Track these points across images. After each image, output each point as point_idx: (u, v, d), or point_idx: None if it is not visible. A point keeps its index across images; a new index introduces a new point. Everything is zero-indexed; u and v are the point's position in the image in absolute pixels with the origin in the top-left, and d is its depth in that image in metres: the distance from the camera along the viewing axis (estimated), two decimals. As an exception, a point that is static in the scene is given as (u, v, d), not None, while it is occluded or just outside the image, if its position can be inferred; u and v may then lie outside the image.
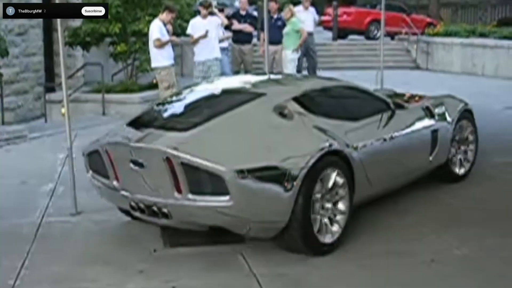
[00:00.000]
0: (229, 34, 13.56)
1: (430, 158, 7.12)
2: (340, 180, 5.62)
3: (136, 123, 6.14)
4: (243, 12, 14.98)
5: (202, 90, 6.74)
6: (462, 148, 7.80)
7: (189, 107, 6.33)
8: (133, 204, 5.66)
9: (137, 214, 5.79)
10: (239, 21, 14.45)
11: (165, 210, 5.36)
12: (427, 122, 7.14)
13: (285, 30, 13.74)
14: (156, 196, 5.38)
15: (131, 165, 5.48)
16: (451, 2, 37.49)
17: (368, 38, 26.12)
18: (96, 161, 5.98)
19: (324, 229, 5.53)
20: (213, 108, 5.97)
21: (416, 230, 6.13)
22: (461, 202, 6.96)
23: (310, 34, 15.52)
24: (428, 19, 28.93)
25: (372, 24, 25.75)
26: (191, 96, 6.60)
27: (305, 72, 15.95)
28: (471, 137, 7.91)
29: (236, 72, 14.59)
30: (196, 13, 14.21)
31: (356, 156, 5.83)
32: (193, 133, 5.46)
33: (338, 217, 5.67)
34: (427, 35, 23.88)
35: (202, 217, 5.27)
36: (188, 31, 12.48)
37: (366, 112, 6.51)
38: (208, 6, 12.60)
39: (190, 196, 5.13)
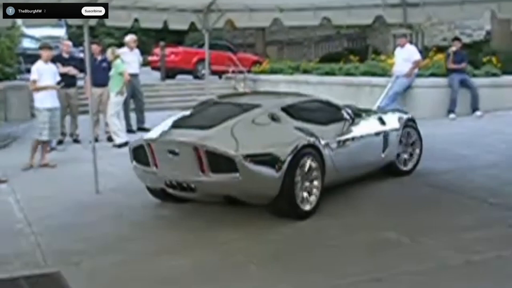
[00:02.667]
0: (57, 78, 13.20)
1: (383, 155, 9.34)
2: (315, 166, 7.69)
3: (169, 125, 8.19)
4: (66, 55, 14.63)
5: (215, 103, 9.08)
6: (409, 150, 10.01)
7: (208, 114, 8.48)
8: (167, 182, 7.68)
9: (170, 190, 7.83)
10: (63, 64, 14.09)
11: (192, 185, 7.42)
12: (380, 128, 9.38)
13: (110, 72, 13.63)
14: (186, 175, 7.41)
15: (168, 154, 7.51)
16: (277, 40, 38.75)
17: (196, 77, 26.45)
18: (139, 153, 8.01)
19: (304, 200, 7.61)
20: (225, 114, 7.96)
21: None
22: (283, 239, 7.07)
23: (135, 76, 15.50)
24: (255, 57, 29.74)
25: (200, 64, 25.97)
26: (208, 107, 8.86)
27: (132, 114, 15.85)
28: (415, 142, 10.13)
29: (63, 116, 14.28)
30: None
31: (326, 149, 7.96)
32: (213, 131, 7.53)
33: (314, 192, 7.74)
34: (254, 73, 24.47)
35: (219, 189, 7.31)
36: (33, 76, 11.80)
37: (333, 119, 8.69)
38: (49, 48, 12.22)
39: (211, 174, 7.17)
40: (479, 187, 9.02)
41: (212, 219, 7.78)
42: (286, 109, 8.15)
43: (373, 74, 18.61)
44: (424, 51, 23.02)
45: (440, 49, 21.06)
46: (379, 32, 31.12)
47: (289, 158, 7.27)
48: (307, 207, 7.62)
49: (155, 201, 8.56)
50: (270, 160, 7.19)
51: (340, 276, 5.79)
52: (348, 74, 19.76)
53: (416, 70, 16.20)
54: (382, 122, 9.52)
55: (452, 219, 7.48)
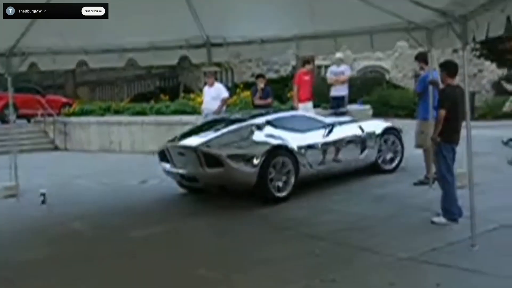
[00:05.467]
0: None
1: (361, 156, 11.66)
2: (288, 163, 10.22)
3: (181, 136, 11.13)
4: None
5: (215, 120, 12.16)
6: (390, 153, 12.19)
7: (207, 127, 11.32)
8: (181, 175, 10.66)
9: (183, 181, 10.94)
10: None
11: (196, 177, 10.25)
12: (359, 133, 11.75)
13: None
14: (191, 170, 10.25)
15: (179, 155, 10.52)
16: (88, 81, 38.27)
17: (4, 122, 25.45)
18: (163, 155, 10.98)
19: (279, 189, 10.12)
20: (220, 127, 10.87)
21: None
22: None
23: None
24: (64, 99, 29.11)
25: (7, 108, 25.03)
26: (208, 123, 11.98)
27: None
28: (397, 147, 12.25)
29: None
30: None
31: (298, 150, 10.43)
32: (208, 138, 10.34)
33: (289, 183, 10.23)
34: (64, 115, 23.86)
35: (213, 179, 10.01)
36: None
37: (312, 128, 11.19)
38: None
39: (207, 169, 9.87)
40: (291, 218, 9.33)
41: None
42: (270, 121, 10.84)
43: (183, 112, 18.88)
44: (234, 88, 23.67)
45: (249, 85, 21.70)
46: (189, 70, 31.55)
47: (263, 158, 9.86)
48: (283, 194, 10.13)
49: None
50: (247, 159, 9.83)
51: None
52: (159, 113, 19.88)
53: (224, 107, 16.57)
54: (361, 129, 11.83)
55: (263, 252, 7.62)
